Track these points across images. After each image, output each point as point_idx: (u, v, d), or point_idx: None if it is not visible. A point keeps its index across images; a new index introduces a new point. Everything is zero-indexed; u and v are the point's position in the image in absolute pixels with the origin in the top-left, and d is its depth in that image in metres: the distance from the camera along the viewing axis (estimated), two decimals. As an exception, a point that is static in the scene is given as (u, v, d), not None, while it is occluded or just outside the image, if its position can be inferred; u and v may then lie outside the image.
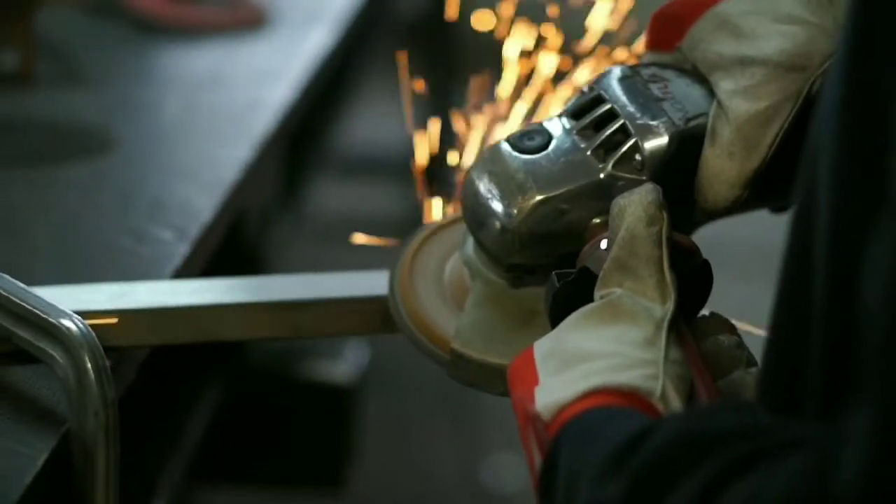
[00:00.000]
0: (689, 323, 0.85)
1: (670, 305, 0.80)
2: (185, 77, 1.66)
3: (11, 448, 0.90)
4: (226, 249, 1.39)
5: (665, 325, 0.79)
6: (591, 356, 0.78)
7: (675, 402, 0.76)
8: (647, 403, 0.76)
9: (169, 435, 1.44)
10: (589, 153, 0.91)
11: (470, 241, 0.96)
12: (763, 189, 0.92)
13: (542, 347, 0.81)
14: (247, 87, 1.61)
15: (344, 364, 1.71)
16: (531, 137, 0.92)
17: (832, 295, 0.66)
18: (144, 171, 1.39)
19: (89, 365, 0.91)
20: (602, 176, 0.91)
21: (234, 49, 1.75)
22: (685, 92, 0.93)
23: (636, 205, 0.84)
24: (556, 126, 0.93)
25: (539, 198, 0.90)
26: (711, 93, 0.92)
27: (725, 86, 0.91)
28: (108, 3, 1.81)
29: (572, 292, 0.85)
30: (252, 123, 1.49)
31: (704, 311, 0.88)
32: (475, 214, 0.93)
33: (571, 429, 0.75)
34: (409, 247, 1.00)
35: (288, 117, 1.57)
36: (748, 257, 2.43)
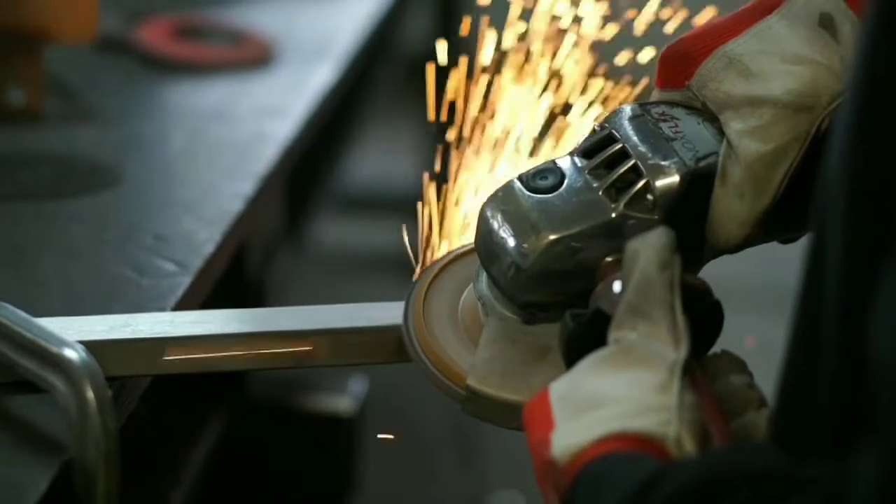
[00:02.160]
0: (701, 362, 0.86)
1: (683, 350, 0.81)
2: (190, 113, 1.68)
3: (13, 476, 0.91)
4: (228, 281, 1.41)
5: (678, 370, 0.80)
6: (606, 401, 0.79)
7: (689, 447, 0.77)
8: (662, 448, 0.77)
9: (170, 465, 1.45)
10: (601, 193, 0.93)
11: (483, 277, 0.97)
12: (772, 224, 0.94)
13: (558, 390, 0.82)
14: (251, 122, 1.64)
15: (345, 397, 1.72)
16: (544, 177, 0.94)
17: (843, 337, 0.67)
18: (149, 204, 1.41)
19: (91, 394, 0.92)
20: (614, 215, 0.92)
21: (239, 85, 1.77)
22: (695, 131, 0.94)
23: (649, 249, 0.85)
24: (569, 165, 0.95)
25: (552, 237, 0.92)
26: (721, 131, 0.94)
27: (735, 126, 0.92)
28: (116, 41, 1.84)
29: (586, 333, 0.86)
30: (256, 158, 1.51)
31: (716, 349, 0.90)
32: (489, 252, 0.94)
33: (587, 474, 0.76)
34: (424, 279, 1.01)
35: (291, 152, 1.59)
36: (763, 294, 2.44)
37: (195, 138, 1.59)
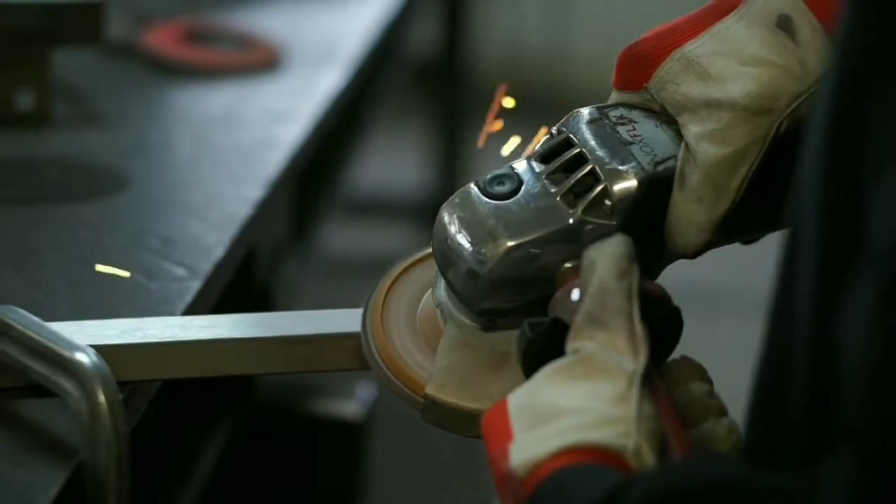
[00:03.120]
0: (660, 369, 0.85)
1: (642, 359, 0.80)
2: (198, 117, 1.68)
3: (25, 479, 0.91)
4: (236, 286, 1.41)
5: (637, 380, 0.79)
6: (564, 413, 0.78)
7: (649, 458, 0.77)
8: (621, 460, 0.76)
9: (177, 469, 1.45)
10: (559, 198, 0.92)
11: (441, 283, 0.96)
12: (731, 227, 0.93)
13: (516, 401, 0.81)
14: (259, 127, 1.64)
15: (354, 402, 1.72)
16: (501, 182, 0.93)
17: (815, 344, 0.67)
18: (157, 209, 1.41)
19: (102, 398, 0.92)
20: (572, 221, 0.91)
21: (246, 90, 1.77)
22: (653, 134, 0.94)
23: (607, 257, 0.84)
24: (526, 169, 0.94)
25: (510, 244, 0.91)
26: (680, 134, 0.93)
27: (693, 129, 0.91)
28: (123, 45, 1.84)
29: (544, 342, 0.85)
30: (264, 163, 1.51)
31: (675, 354, 0.89)
32: (446, 259, 0.93)
33: (545, 488, 0.75)
34: (382, 285, 1.00)
35: (299, 157, 1.59)
36: (737, 298, 2.44)
37: (202, 142, 1.59)
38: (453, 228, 0.92)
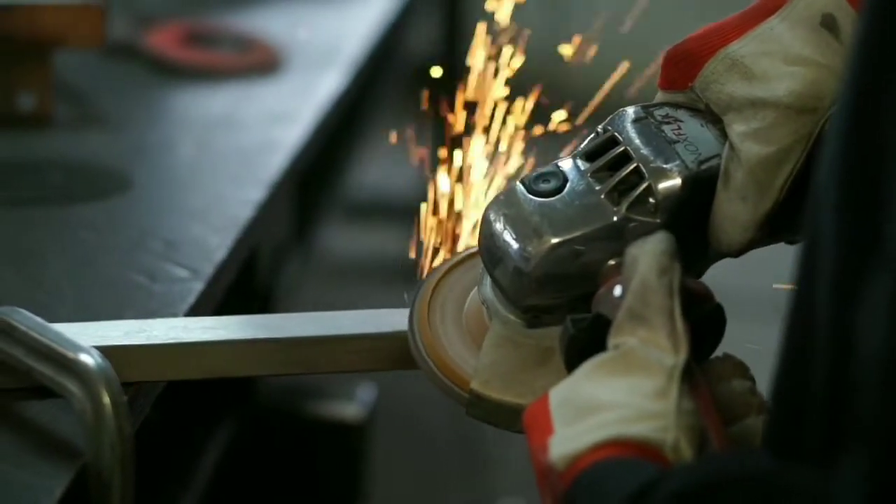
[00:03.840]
0: (703, 366, 0.86)
1: (682, 356, 0.81)
2: (199, 119, 1.69)
3: (30, 480, 0.91)
4: (238, 288, 1.41)
5: (677, 375, 0.80)
6: (604, 407, 0.79)
7: (687, 453, 0.77)
8: (659, 455, 0.77)
9: (181, 471, 1.45)
10: (603, 196, 0.93)
11: (487, 280, 0.97)
12: (776, 226, 0.93)
13: (557, 395, 0.82)
14: (260, 129, 1.64)
15: (354, 404, 1.72)
16: (546, 179, 0.94)
17: (834, 342, 0.67)
18: (159, 211, 1.42)
19: (106, 399, 0.92)
20: (616, 219, 0.92)
21: (247, 92, 1.77)
22: (698, 133, 0.94)
23: (648, 255, 0.84)
24: (571, 167, 0.94)
25: (554, 241, 0.92)
26: (724, 133, 0.93)
27: (738, 128, 0.92)
28: (125, 47, 1.84)
29: (587, 338, 0.86)
30: (265, 165, 1.51)
31: (719, 353, 0.89)
32: (492, 256, 0.94)
33: (584, 480, 0.76)
34: (429, 283, 1.01)
35: (300, 159, 1.59)
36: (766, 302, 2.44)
37: (204, 144, 1.59)
38: (499, 226, 0.93)
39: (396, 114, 2.45)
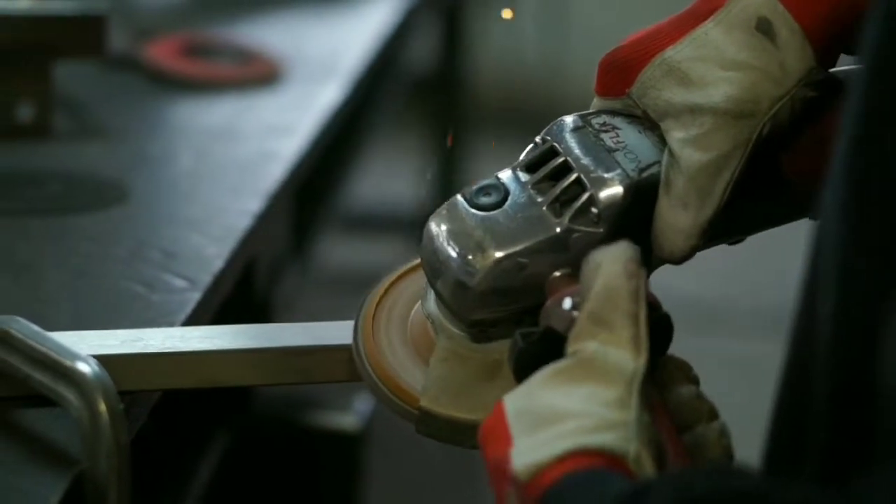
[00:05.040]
0: (650, 374, 0.85)
1: (642, 362, 0.80)
2: (199, 130, 1.69)
3: (26, 488, 0.92)
4: (236, 298, 1.42)
5: (637, 384, 0.79)
6: (564, 416, 0.78)
7: (648, 465, 0.77)
8: (623, 465, 0.76)
9: (176, 481, 1.46)
10: (545, 208, 0.92)
11: (431, 295, 0.97)
12: (715, 231, 0.93)
13: (513, 405, 0.81)
14: (259, 140, 1.64)
15: (350, 415, 1.72)
16: (487, 192, 0.93)
17: (838, 362, 0.68)
18: (157, 221, 1.42)
19: (103, 408, 0.93)
20: (559, 230, 0.92)
21: (246, 103, 1.78)
22: (637, 140, 0.94)
23: (614, 261, 0.84)
24: (511, 179, 0.94)
25: (498, 255, 0.91)
26: (663, 139, 0.93)
27: (676, 134, 0.92)
28: (124, 58, 1.85)
29: (537, 351, 0.85)
30: (263, 176, 1.52)
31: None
32: (435, 271, 0.94)
33: (554, 494, 0.75)
34: (372, 296, 1.00)
35: (298, 170, 1.60)
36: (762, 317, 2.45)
37: (203, 156, 1.59)
38: (441, 240, 0.93)
39: (395, 126, 2.46)
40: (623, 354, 0.81)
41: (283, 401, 1.68)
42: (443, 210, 0.94)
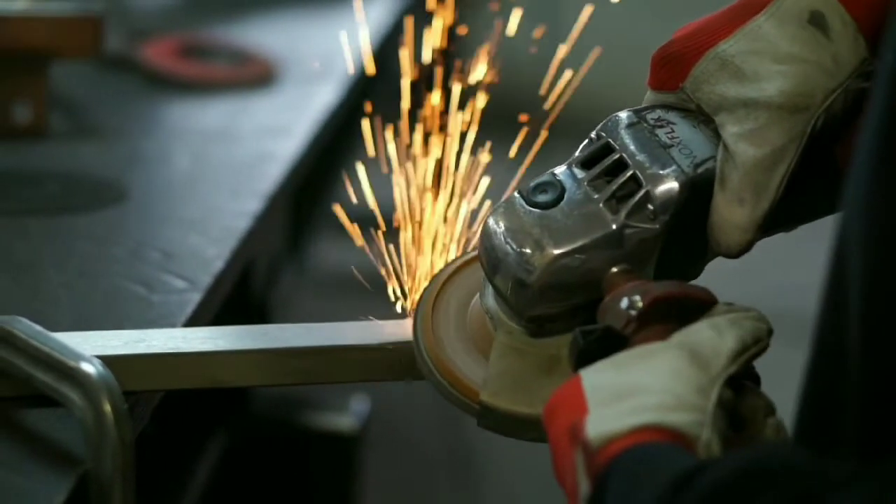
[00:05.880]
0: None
1: (733, 369, 0.82)
2: (195, 131, 1.69)
3: (31, 488, 0.92)
4: (235, 298, 1.42)
5: (722, 378, 0.81)
6: (644, 391, 0.80)
7: (716, 454, 0.78)
8: (692, 448, 0.77)
9: (174, 481, 1.46)
10: (601, 204, 0.93)
11: (489, 290, 0.97)
12: (770, 223, 0.93)
13: (591, 379, 0.82)
14: (255, 141, 1.64)
15: (348, 416, 1.73)
16: (544, 190, 0.94)
17: (867, 348, 0.68)
18: (156, 222, 1.42)
19: (108, 407, 0.93)
20: (615, 227, 0.92)
21: (243, 105, 1.78)
22: (692, 135, 0.94)
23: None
24: (567, 176, 0.95)
25: (556, 252, 0.92)
26: (717, 133, 0.93)
27: (731, 129, 0.92)
28: (121, 59, 1.85)
29: (597, 349, 0.86)
30: (260, 177, 1.52)
31: None
32: (494, 268, 0.94)
33: (624, 461, 0.77)
34: (431, 291, 1.01)
35: (295, 171, 1.60)
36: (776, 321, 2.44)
37: (200, 156, 1.59)
38: (500, 238, 0.94)
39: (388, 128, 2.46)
40: (721, 351, 0.82)
41: (281, 402, 1.68)
42: (500, 208, 0.95)
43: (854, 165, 0.71)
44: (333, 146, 1.99)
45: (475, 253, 0.99)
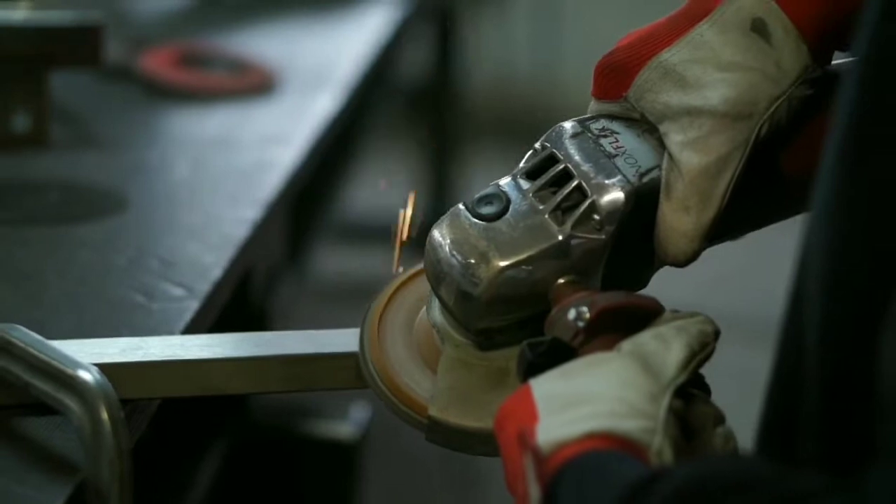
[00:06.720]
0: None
1: (683, 377, 0.82)
2: (194, 140, 1.70)
3: (28, 496, 0.92)
4: (234, 306, 1.42)
5: (674, 386, 0.81)
6: (595, 398, 0.79)
7: (669, 459, 0.77)
8: (643, 456, 0.77)
9: (173, 491, 1.46)
10: (547, 216, 0.93)
11: (436, 304, 0.97)
12: (716, 232, 0.94)
13: (541, 388, 0.82)
14: (254, 149, 1.65)
15: (348, 423, 1.73)
16: (489, 202, 0.94)
17: (826, 368, 0.68)
18: (155, 230, 1.42)
19: (105, 416, 0.93)
20: (561, 237, 0.92)
21: (242, 113, 1.79)
22: (636, 144, 0.94)
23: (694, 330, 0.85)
24: (512, 187, 0.95)
25: (501, 264, 0.92)
26: (661, 142, 0.93)
27: (675, 138, 0.92)
28: (120, 68, 1.85)
29: (545, 362, 0.86)
30: (259, 185, 1.52)
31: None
32: (439, 281, 0.94)
33: (573, 466, 0.76)
34: (377, 304, 1.01)
35: (294, 180, 1.60)
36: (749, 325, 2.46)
37: (199, 165, 1.60)
38: (445, 250, 0.93)
39: (388, 136, 2.47)
40: (669, 360, 0.82)
41: (280, 409, 1.68)
42: (445, 220, 0.94)
43: (819, 171, 0.71)
44: (333, 154, 1.99)
45: (420, 267, 0.99)
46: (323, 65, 2.01)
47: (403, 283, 1.02)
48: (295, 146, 1.66)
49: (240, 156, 1.63)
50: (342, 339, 1.06)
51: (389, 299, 1.01)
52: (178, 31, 2.08)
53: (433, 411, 0.95)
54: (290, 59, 2.00)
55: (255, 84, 1.88)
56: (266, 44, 2.08)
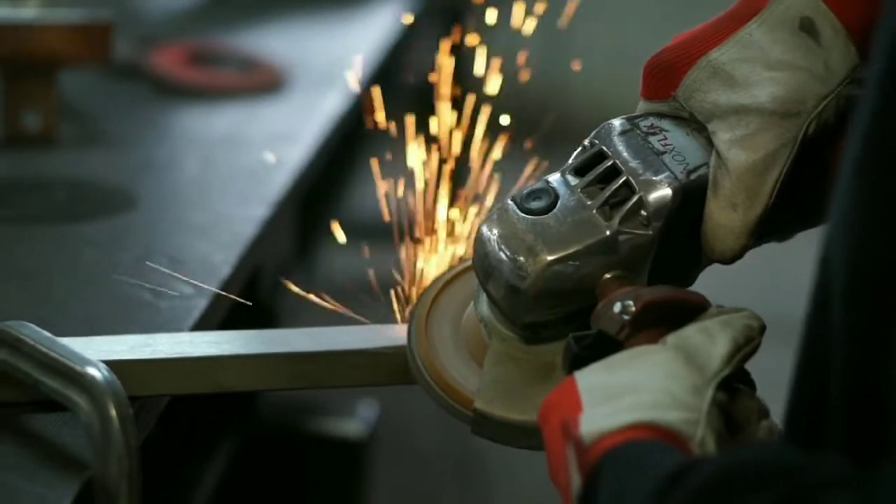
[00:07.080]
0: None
1: (727, 371, 0.83)
2: (203, 138, 1.70)
3: (37, 492, 0.92)
4: (241, 304, 1.42)
5: (717, 379, 0.82)
6: (638, 389, 0.80)
7: (712, 452, 0.78)
8: (686, 446, 0.78)
9: (181, 486, 1.46)
10: (595, 211, 0.93)
11: (483, 298, 0.98)
12: (764, 229, 0.94)
13: (586, 380, 0.83)
14: (263, 148, 1.65)
15: (356, 421, 1.73)
16: (538, 197, 0.94)
17: (850, 361, 0.69)
18: (164, 228, 1.43)
19: (114, 412, 0.93)
20: (609, 233, 0.93)
21: (250, 111, 1.79)
22: (684, 142, 0.95)
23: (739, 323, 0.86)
24: (561, 183, 0.95)
25: (549, 259, 0.92)
26: (710, 140, 0.94)
27: (723, 136, 0.93)
28: (129, 66, 1.86)
29: (590, 355, 0.87)
30: (268, 183, 1.53)
31: None
32: (487, 275, 0.95)
33: (614, 457, 0.77)
34: (425, 299, 1.02)
35: (302, 178, 1.61)
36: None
37: (207, 163, 1.60)
38: (493, 245, 0.94)
39: (396, 134, 2.46)
40: (714, 353, 0.83)
41: (288, 407, 1.69)
42: (494, 215, 0.95)
43: (840, 175, 0.72)
44: (341, 153, 2.00)
45: (468, 263, 1.00)
46: (332, 63, 2.01)
47: (451, 280, 1.03)
48: (304, 144, 1.66)
49: (248, 154, 1.63)
50: (350, 337, 1.07)
51: (437, 295, 1.02)
52: (187, 30, 2.08)
53: (479, 404, 0.96)
54: (300, 57, 2.00)
55: (264, 82, 1.88)
56: (275, 42, 2.08)
